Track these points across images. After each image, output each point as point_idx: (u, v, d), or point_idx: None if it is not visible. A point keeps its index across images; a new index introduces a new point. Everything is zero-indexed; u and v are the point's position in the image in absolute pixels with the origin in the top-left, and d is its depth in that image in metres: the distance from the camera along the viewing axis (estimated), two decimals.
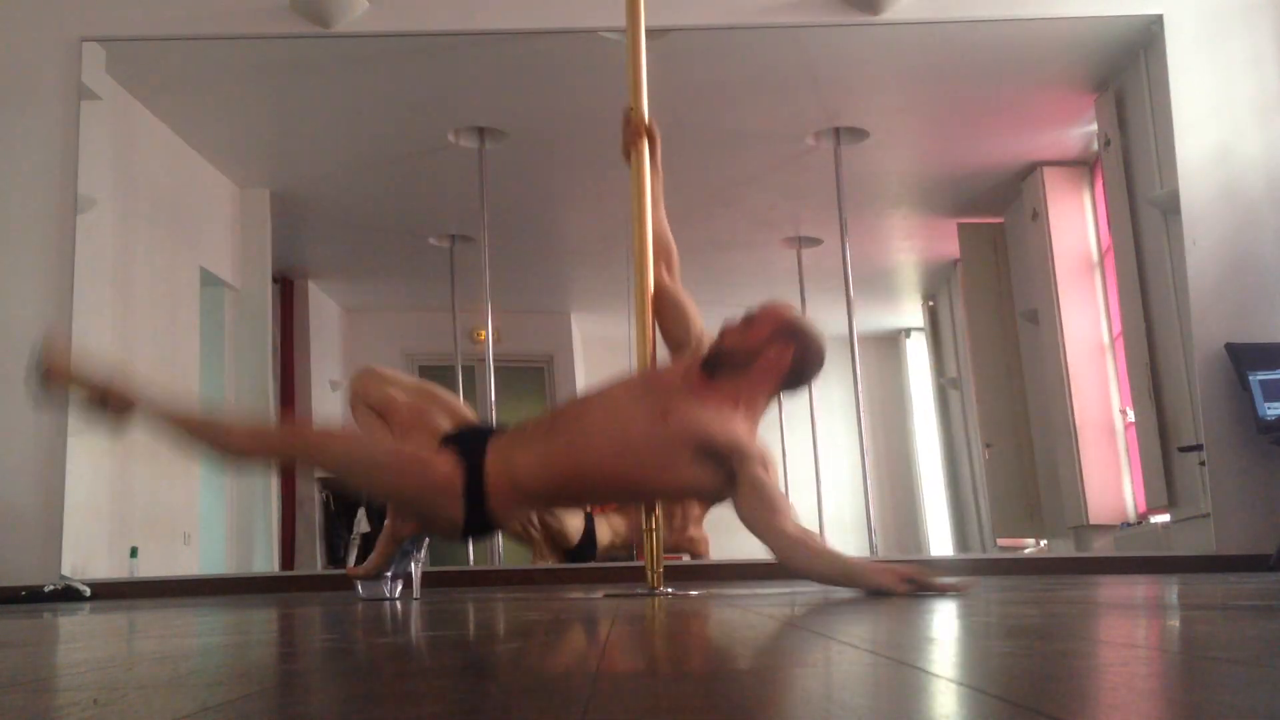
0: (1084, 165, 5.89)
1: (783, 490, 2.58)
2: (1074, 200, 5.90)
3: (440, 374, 7.07)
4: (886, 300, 8.07)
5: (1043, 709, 0.77)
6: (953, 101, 5.44)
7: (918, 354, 8.38)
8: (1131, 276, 5.01)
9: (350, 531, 5.56)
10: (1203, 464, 4.44)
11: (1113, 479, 5.62)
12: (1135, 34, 4.76)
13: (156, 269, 5.32)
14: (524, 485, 2.60)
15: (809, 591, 2.46)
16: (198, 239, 5.81)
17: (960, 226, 6.79)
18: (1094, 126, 5.42)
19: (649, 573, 2.79)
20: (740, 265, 7.25)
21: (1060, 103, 5.42)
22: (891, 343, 8.58)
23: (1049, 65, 5.09)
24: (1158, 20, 4.64)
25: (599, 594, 2.94)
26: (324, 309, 7.55)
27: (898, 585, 2.26)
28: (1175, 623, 1.66)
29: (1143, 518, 5.39)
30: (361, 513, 5.30)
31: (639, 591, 2.82)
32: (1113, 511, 5.58)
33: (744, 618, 1.92)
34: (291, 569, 6.23)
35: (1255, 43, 4.64)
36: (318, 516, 6.74)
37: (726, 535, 3.69)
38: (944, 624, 1.60)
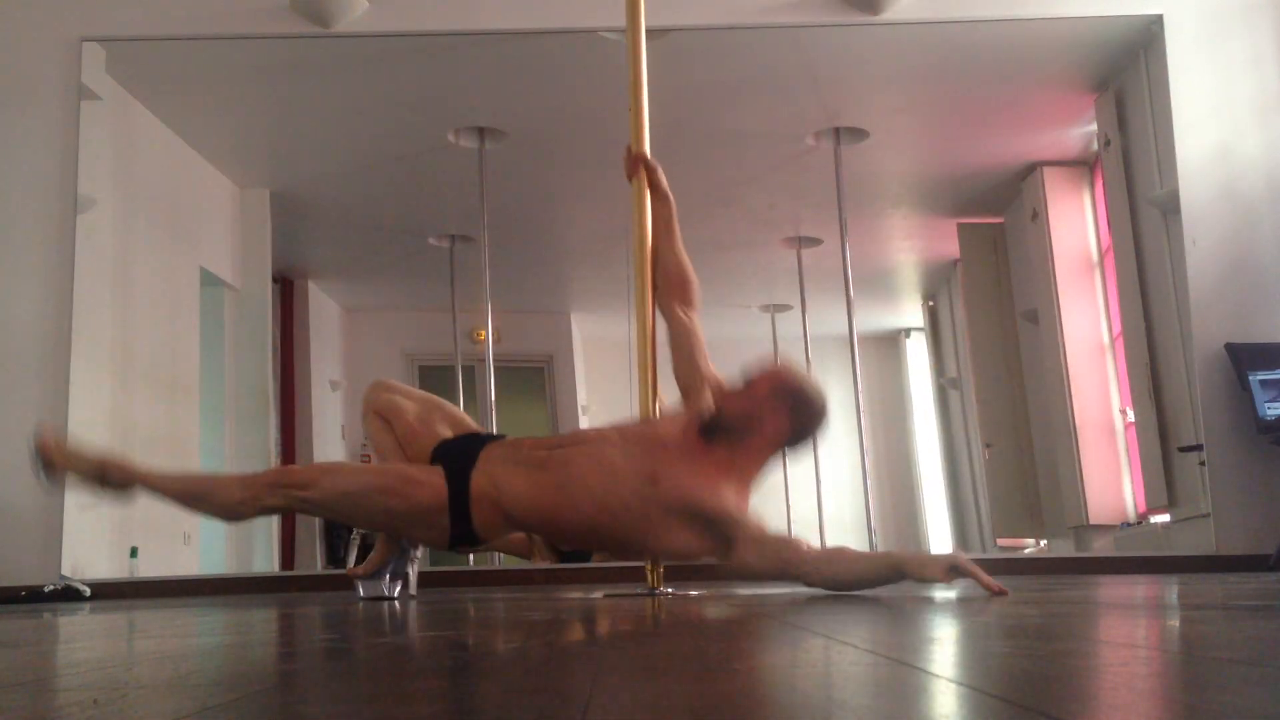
0: (1084, 165, 5.89)
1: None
2: (1074, 200, 5.90)
3: (440, 374, 7.08)
4: (886, 300, 8.07)
5: (1043, 709, 0.77)
6: (953, 101, 5.44)
7: (918, 354, 8.38)
8: (1131, 276, 5.01)
9: (350, 531, 5.56)
10: (1203, 464, 4.44)
11: (1113, 479, 5.62)
12: (1135, 34, 4.76)
13: (156, 269, 5.32)
14: (508, 509, 2.61)
15: (809, 592, 2.45)
16: (198, 239, 5.81)
17: (960, 226, 6.79)
18: (1094, 126, 5.42)
19: (649, 572, 2.80)
20: (740, 265, 7.25)
21: (1060, 103, 5.42)
22: (891, 343, 8.58)
23: (1049, 65, 5.09)
24: (1158, 20, 4.64)
25: (598, 594, 2.94)
26: (324, 309, 7.55)
27: (944, 575, 2.24)
28: (1175, 623, 1.66)
29: (1143, 518, 5.39)
30: None
31: (639, 591, 2.82)
32: (1113, 511, 5.58)
33: (744, 618, 1.93)
34: (291, 569, 6.23)
35: (1255, 43, 4.64)
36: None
37: None
38: (944, 624, 1.60)
